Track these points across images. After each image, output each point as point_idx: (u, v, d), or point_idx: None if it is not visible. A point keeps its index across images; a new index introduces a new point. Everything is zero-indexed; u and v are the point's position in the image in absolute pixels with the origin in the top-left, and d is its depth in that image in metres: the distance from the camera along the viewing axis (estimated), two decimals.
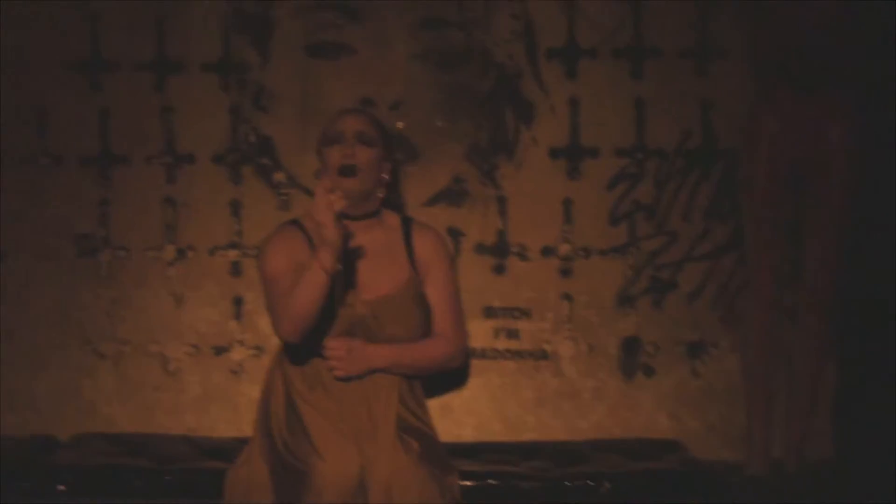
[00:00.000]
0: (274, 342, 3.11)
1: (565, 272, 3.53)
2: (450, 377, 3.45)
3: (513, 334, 3.56)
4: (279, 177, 3.53)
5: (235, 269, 3.49)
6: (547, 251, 3.53)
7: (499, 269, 3.52)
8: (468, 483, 3.05)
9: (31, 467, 3.17)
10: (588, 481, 3.09)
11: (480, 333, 3.55)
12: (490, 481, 3.09)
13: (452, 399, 3.55)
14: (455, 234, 3.51)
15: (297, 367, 2.92)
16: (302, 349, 2.91)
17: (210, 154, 3.53)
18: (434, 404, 3.49)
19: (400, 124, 3.52)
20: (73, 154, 3.54)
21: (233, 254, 3.49)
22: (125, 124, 3.56)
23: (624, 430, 3.53)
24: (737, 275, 3.53)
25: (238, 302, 3.49)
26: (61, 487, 3.06)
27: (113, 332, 3.57)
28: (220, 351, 3.54)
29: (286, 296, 2.82)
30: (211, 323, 3.56)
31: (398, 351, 2.91)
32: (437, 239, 3.07)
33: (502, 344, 3.57)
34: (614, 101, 3.54)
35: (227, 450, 3.16)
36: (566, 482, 3.10)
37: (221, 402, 3.58)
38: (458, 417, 3.57)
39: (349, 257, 2.85)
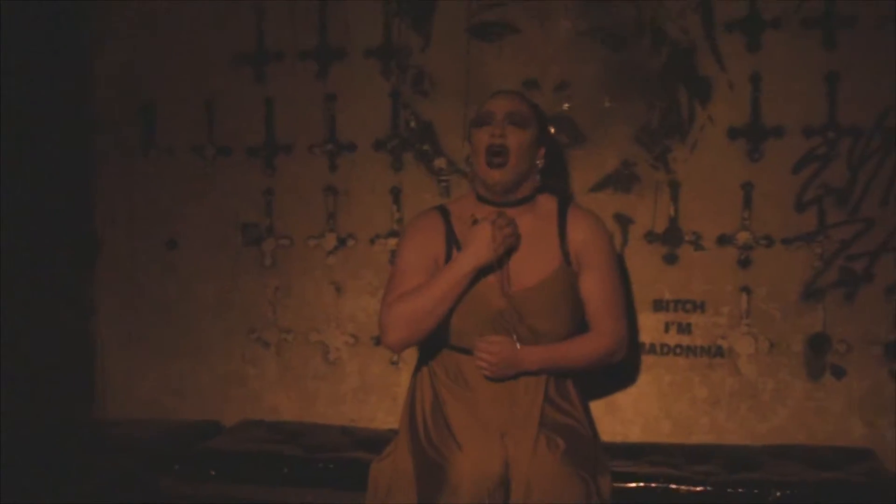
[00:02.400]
0: None
1: (744, 262, 3.31)
2: (617, 374, 3.34)
3: (685, 329, 3.38)
4: (440, 163, 3.47)
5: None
6: (724, 240, 3.32)
7: (671, 259, 3.33)
8: (629, 485, 2.93)
9: (188, 452, 3.22)
10: (755, 489, 2.86)
11: (650, 327, 3.43)
12: (651, 484, 2.95)
13: (619, 397, 3.44)
14: (624, 221, 3.34)
15: (440, 359, 2.80)
16: (442, 341, 2.78)
17: (371, 141, 3.48)
18: (599, 402, 3.48)
19: (566, 105, 3.39)
20: (240, 144, 3.58)
21: (393, 242, 3.46)
22: (289, 114, 3.54)
23: (808, 437, 3.31)
24: None
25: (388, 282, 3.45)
26: (212, 472, 3.10)
27: (276, 321, 3.58)
28: (379, 341, 3.42)
29: (411, 292, 2.72)
30: (370, 313, 3.53)
31: (551, 353, 2.79)
32: (593, 224, 2.86)
33: (673, 339, 3.41)
34: (802, 75, 3.26)
35: (382, 441, 3.11)
36: (729, 489, 2.86)
37: (380, 392, 3.59)
38: (625, 416, 3.46)
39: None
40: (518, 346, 2.74)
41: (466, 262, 2.69)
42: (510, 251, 2.80)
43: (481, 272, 2.76)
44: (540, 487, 2.65)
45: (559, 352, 2.78)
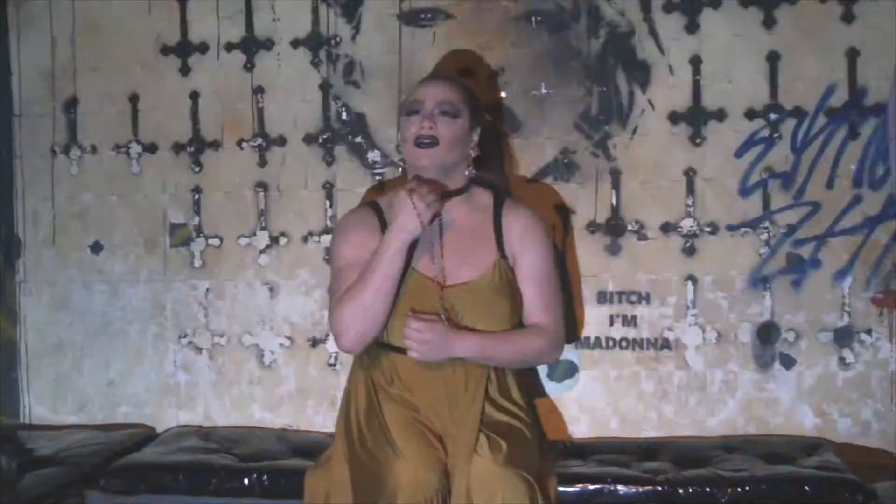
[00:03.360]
0: None
1: (689, 251, 3.29)
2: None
3: (630, 321, 3.35)
4: (373, 156, 3.36)
5: (329, 256, 3.26)
6: (668, 228, 3.31)
7: (613, 250, 3.30)
8: (577, 486, 2.88)
9: (117, 464, 3.11)
10: (706, 488, 2.81)
11: (594, 320, 3.40)
12: (598, 485, 2.90)
13: (564, 394, 3.40)
14: (565, 211, 3.29)
15: (375, 360, 2.69)
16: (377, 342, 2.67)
17: (302, 135, 3.40)
18: (544, 400, 3.47)
19: (502, 94, 3.28)
20: (166, 141, 3.47)
21: (327, 239, 3.37)
22: (216, 108, 3.45)
23: (759, 428, 3.30)
24: (893, 250, 3.23)
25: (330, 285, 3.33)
26: (141, 486, 3.01)
27: (208, 324, 3.50)
28: (315, 343, 3.43)
29: (351, 288, 2.60)
30: (306, 314, 3.48)
31: (483, 340, 2.66)
32: (529, 218, 2.76)
33: (619, 332, 3.36)
34: (742, 55, 3.27)
35: (320, 446, 3.04)
36: (679, 488, 2.81)
37: (318, 396, 3.51)
38: (571, 413, 3.42)
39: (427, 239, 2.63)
40: (450, 328, 2.59)
41: (393, 237, 2.58)
42: (449, 241, 2.66)
43: (415, 266, 2.63)
44: (481, 491, 2.56)
45: (492, 340, 2.68)
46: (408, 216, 2.63)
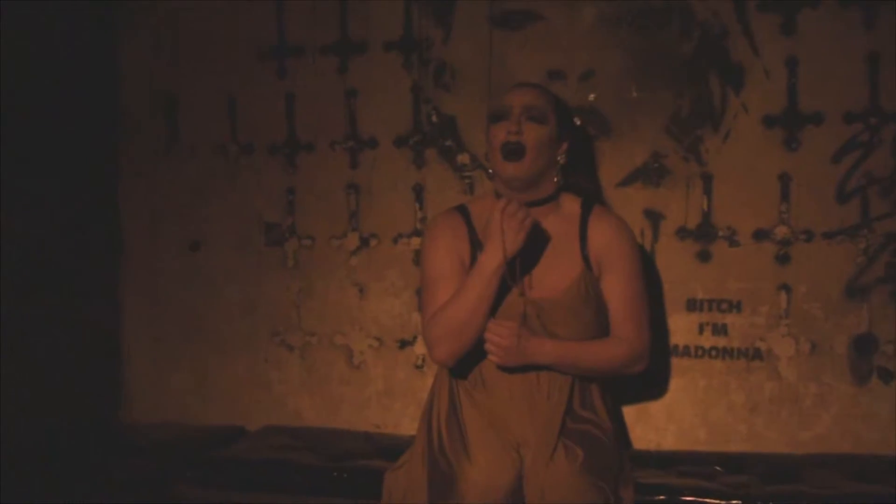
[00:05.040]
0: None
1: (783, 259, 3.22)
2: (648, 379, 3.17)
3: (720, 330, 3.29)
4: (463, 159, 3.43)
5: (419, 258, 3.32)
6: (760, 235, 3.24)
7: (704, 256, 3.25)
8: (660, 497, 2.84)
9: (203, 458, 3.27)
10: (791, 502, 2.80)
11: (683, 329, 3.36)
12: (680, 497, 2.85)
13: (652, 402, 3.38)
14: (654, 216, 3.27)
15: (462, 362, 2.73)
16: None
17: (393, 137, 3.47)
18: (631, 409, 3.42)
19: (592, 96, 3.31)
20: (262, 142, 3.58)
21: (416, 241, 3.43)
22: (310, 110, 3.55)
23: (854, 445, 3.21)
24: None
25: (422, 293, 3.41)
26: (224, 480, 3.13)
27: (299, 323, 3.60)
28: (403, 344, 3.50)
29: (446, 305, 2.68)
30: (394, 315, 3.55)
31: (564, 349, 2.71)
32: (615, 227, 2.80)
33: (708, 341, 3.32)
34: (841, 57, 3.15)
35: (405, 448, 3.00)
36: (760, 501, 2.76)
37: (405, 397, 3.58)
38: (658, 423, 3.40)
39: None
40: (531, 335, 2.63)
41: (488, 261, 2.63)
42: (536, 249, 2.69)
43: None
44: (555, 498, 2.61)
45: (573, 350, 2.72)
46: (501, 239, 2.65)
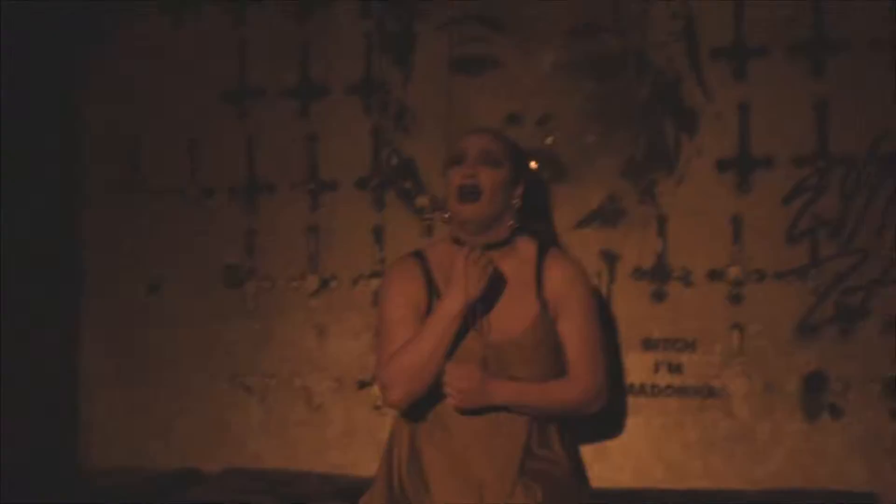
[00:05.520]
0: None
1: (735, 298, 3.27)
2: (605, 417, 3.12)
3: (676, 369, 3.33)
4: (422, 201, 3.46)
5: (378, 300, 3.29)
6: (714, 275, 3.28)
7: (659, 296, 3.30)
8: None
9: (165, 501, 3.26)
10: None
11: (639, 368, 3.38)
12: None
13: (609, 441, 3.39)
14: (610, 258, 3.30)
15: (421, 405, 2.73)
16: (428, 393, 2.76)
17: (353, 179, 3.51)
18: (588, 447, 3.36)
19: (549, 140, 3.36)
20: (223, 184, 3.64)
21: (375, 283, 3.44)
22: (271, 152, 3.59)
23: (807, 481, 3.22)
24: None
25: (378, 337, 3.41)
26: None
27: (258, 365, 3.60)
28: (363, 385, 3.51)
29: (403, 348, 2.69)
30: (354, 356, 3.55)
31: (522, 390, 2.73)
32: (571, 270, 2.83)
33: (664, 379, 3.34)
34: (791, 103, 3.23)
35: (365, 489, 2.95)
36: None
37: (364, 438, 3.56)
38: (615, 461, 3.40)
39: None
40: (488, 377, 2.65)
41: (450, 304, 2.66)
42: (494, 293, 2.72)
43: (465, 320, 2.70)
44: None
45: (531, 391, 2.74)
46: (463, 284, 2.69)
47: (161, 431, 3.73)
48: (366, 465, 3.49)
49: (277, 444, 3.64)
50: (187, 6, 3.73)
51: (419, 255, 2.95)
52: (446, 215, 2.89)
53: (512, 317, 2.81)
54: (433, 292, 2.85)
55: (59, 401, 3.78)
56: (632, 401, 3.38)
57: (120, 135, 3.77)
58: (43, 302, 3.71)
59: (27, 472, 3.53)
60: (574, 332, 2.81)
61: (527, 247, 2.90)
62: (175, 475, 3.55)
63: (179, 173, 3.70)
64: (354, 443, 3.59)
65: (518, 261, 2.86)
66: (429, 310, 2.83)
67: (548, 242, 2.99)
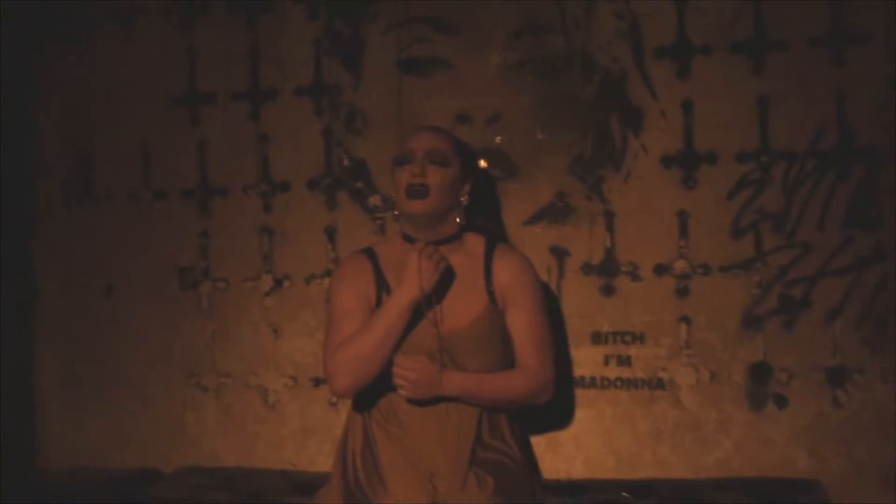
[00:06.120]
0: None
1: (682, 292, 3.32)
2: (556, 409, 3.31)
3: (625, 361, 3.39)
4: (374, 200, 3.51)
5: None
6: (661, 269, 3.34)
7: (608, 291, 3.35)
8: None
9: (124, 500, 3.31)
10: None
11: (589, 361, 3.43)
12: None
13: (561, 432, 3.43)
14: (560, 253, 3.35)
15: (374, 398, 2.79)
16: (378, 385, 2.77)
17: (305, 180, 3.56)
18: (540, 438, 3.44)
19: (498, 139, 3.42)
20: (175, 188, 3.67)
21: (328, 282, 3.35)
22: (223, 155, 3.63)
23: (753, 469, 3.29)
24: (884, 291, 3.20)
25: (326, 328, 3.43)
26: None
27: (214, 365, 3.65)
28: (318, 382, 3.55)
29: (352, 338, 2.73)
30: (308, 353, 3.61)
31: (472, 380, 2.79)
32: (518, 264, 2.89)
33: (613, 372, 3.42)
34: (733, 100, 3.29)
35: (322, 484, 3.00)
36: None
37: (320, 435, 3.60)
38: (567, 452, 3.44)
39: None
40: (439, 368, 2.70)
41: (401, 297, 2.72)
42: (443, 287, 2.77)
43: (416, 314, 2.73)
44: None
45: (480, 381, 2.80)
46: (415, 278, 2.75)
47: (118, 432, 3.76)
48: (322, 460, 3.57)
49: (235, 442, 3.67)
50: (136, 13, 3.73)
51: (369, 252, 3.00)
52: (396, 213, 2.90)
53: (461, 309, 2.86)
54: (382, 287, 2.90)
55: (15, 403, 3.69)
56: (582, 393, 3.41)
57: (72, 139, 3.80)
58: None
59: None
60: (522, 323, 2.88)
61: (475, 242, 2.96)
62: (133, 474, 3.55)
63: (132, 177, 3.73)
64: (311, 439, 3.62)
65: (466, 256, 2.92)
66: (377, 304, 2.89)
67: (496, 238, 2.99)
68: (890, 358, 3.21)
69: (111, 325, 3.76)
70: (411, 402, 2.80)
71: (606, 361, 3.39)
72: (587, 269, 3.38)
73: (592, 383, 3.40)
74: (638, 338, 3.38)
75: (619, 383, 3.38)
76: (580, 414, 3.42)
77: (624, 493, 3.20)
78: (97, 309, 3.75)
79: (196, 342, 3.70)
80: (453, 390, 2.78)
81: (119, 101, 3.73)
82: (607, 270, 3.37)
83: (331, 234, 3.51)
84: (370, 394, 2.87)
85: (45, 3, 3.82)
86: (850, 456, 3.24)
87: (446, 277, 2.86)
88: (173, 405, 3.70)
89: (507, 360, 2.88)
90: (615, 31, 3.36)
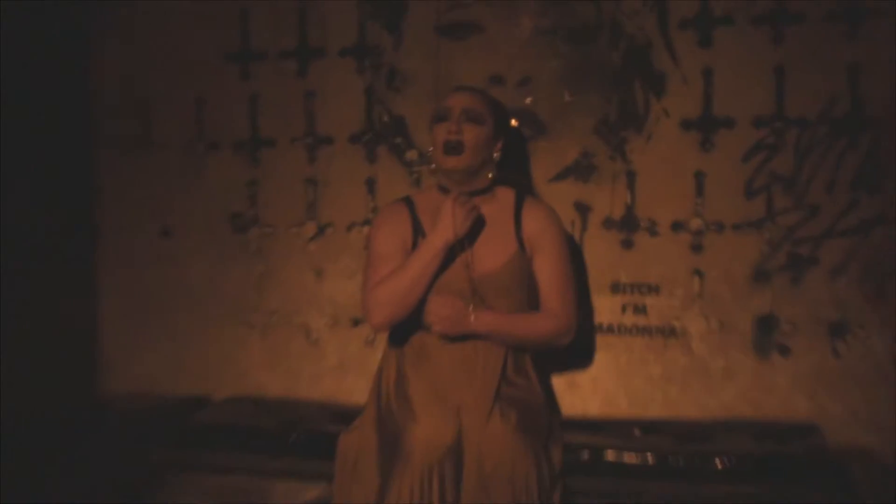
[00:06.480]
0: None
1: (696, 247, 3.46)
2: (577, 353, 3.50)
3: (641, 310, 3.55)
4: (411, 155, 3.70)
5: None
6: (677, 226, 3.48)
7: (627, 244, 3.50)
8: (585, 456, 3.14)
9: (178, 425, 3.56)
10: (698, 460, 3.09)
11: (607, 309, 3.59)
12: (606, 455, 3.15)
13: (579, 374, 3.59)
14: (583, 209, 3.51)
15: (407, 336, 2.99)
16: (411, 324, 2.97)
17: (347, 135, 3.74)
18: (560, 379, 3.64)
19: (528, 100, 3.56)
20: (227, 139, 3.89)
21: (368, 229, 3.62)
22: (272, 110, 3.84)
23: (756, 412, 3.46)
24: (887, 250, 3.35)
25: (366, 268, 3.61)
26: (197, 443, 3.44)
27: (260, 304, 3.90)
28: (356, 322, 3.75)
29: (390, 276, 2.92)
30: (348, 295, 3.79)
31: (500, 320, 2.96)
32: (546, 214, 3.06)
33: (630, 320, 3.56)
34: (751, 69, 3.41)
35: (357, 415, 3.23)
36: (670, 458, 3.11)
37: (357, 369, 3.78)
38: (585, 393, 3.62)
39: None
40: (470, 307, 2.89)
41: (435, 240, 2.92)
42: (474, 233, 2.95)
43: (449, 257, 2.93)
44: (491, 455, 2.84)
45: (507, 321, 2.98)
46: (449, 223, 2.94)
47: (172, 362, 3.99)
48: (358, 393, 3.70)
49: (279, 375, 3.88)
50: None
51: (407, 200, 3.19)
52: (432, 166, 3.09)
53: (492, 254, 3.04)
54: (418, 232, 3.10)
55: (79, 334, 3.96)
56: (600, 338, 3.59)
57: (132, 93, 3.98)
58: (62, 246, 3.91)
59: (52, 398, 3.70)
60: (548, 269, 3.05)
61: (505, 194, 3.14)
62: (185, 401, 3.79)
63: (188, 128, 3.94)
64: (348, 374, 3.82)
65: (498, 206, 3.10)
66: (413, 248, 3.07)
67: (525, 192, 3.17)
68: (888, 314, 3.31)
69: (167, 265, 3.97)
70: (442, 338, 2.99)
71: (624, 310, 3.56)
72: (608, 223, 3.53)
73: (610, 329, 3.57)
74: (654, 289, 3.53)
75: (634, 330, 3.55)
76: (598, 357, 3.60)
77: (636, 430, 3.33)
78: (154, 249, 3.98)
79: (244, 283, 3.91)
80: (482, 328, 2.96)
81: (177, 56, 3.92)
82: (627, 226, 3.52)
83: (370, 185, 3.70)
84: (403, 333, 3.07)
85: None
86: (846, 402, 3.40)
87: (478, 224, 3.03)
88: (222, 340, 3.92)
89: (532, 303, 3.06)
90: (642, 1, 3.49)
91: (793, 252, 3.43)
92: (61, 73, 3.95)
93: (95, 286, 4.06)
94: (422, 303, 2.99)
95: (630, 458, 3.17)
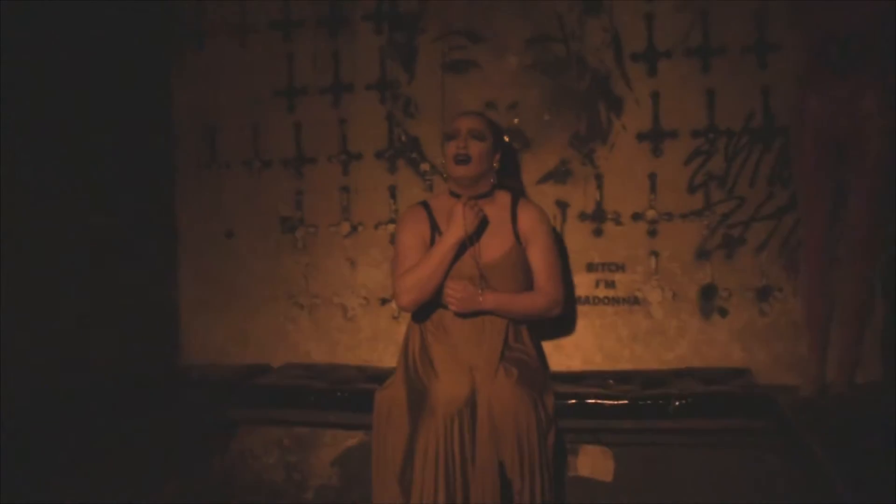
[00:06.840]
0: None
1: (652, 233, 3.95)
2: (561, 321, 3.85)
3: (610, 284, 4.00)
4: (425, 167, 4.19)
5: (394, 238, 3.95)
6: (637, 216, 3.96)
7: (598, 232, 3.99)
8: (571, 401, 3.55)
9: (244, 386, 3.99)
10: (661, 401, 3.50)
11: (584, 284, 4.02)
12: (588, 400, 3.59)
13: (563, 338, 4.04)
14: (562, 205, 4.01)
15: (427, 314, 3.53)
16: (431, 303, 3.48)
17: (373, 152, 4.23)
18: (549, 342, 4.03)
19: (516, 120, 4.06)
20: (278, 158, 4.36)
21: (391, 227, 4.21)
22: (312, 133, 4.31)
23: (703, 361, 3.89)
24: (796, 230, 3.81)
25: (394, 260, 3.74)
26: (262, 400, 3.86)
27: (307, 289, 4.34)
28: (384, 302, 4.25)
29: (414, 266, 3.40)
30: (377, 280, 4.27)
31: (503, 298, 3.46)
32: (537, 213, 3.57)
33: (602, 293, 4.02)
34: (688, 92, 3.89)
35: (387, 376, 3.65)
36: (640, 401, 3.49)
37: (386, 340, 4.25)
38: (568, 352, 4.05)
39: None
40: (479, 289, 3.38)
41: (450, 237, 3.42)
42: (480, 230, 3.43)
43: (461, 250, 3.41)
44: (499, 404, 3.29)
45: (509, 299, 3.45)
46: (461, 223, 3.42)
47: (238, 336, 4.41)
48: (388, 359, 4.20)
49: (323, 345, 4.32)
50: (249, 28, 4.33)
51: (424, 204, 3.66)
52: (445, 175, 3.53)
53: (495, 246, 3.51)
54: (435, 230, 3.56)
55: (163, 314, 4.41)
56: (579, 309, 4.02)
57: (202, 121, 4.42)
58: (150, 246, 4.33)
59: (140, 367, 4.13)
60: (539, 256, 3.53)
61: (503, 197, 3.60)
62: (249, 368, 4.21)
63: (246, 149, 4.37)
64: (379, 343, 4.26)
65: (498, 207, 3.56)
66: (431, 243, 3.53)
67: (518, 194, 3.64)
68: (801, 279, 3.76)
69: (232, 259, 4.40)
70: (457, 314, 3.45)
71: (597, 285, 4.01)
72: (583, 216, 4.00)
73: (587, 301, 4.01)
74: (620, 267, 3.99)
75: (606, 301, 4.00)
76: (578, 323, 4.02)
77: (609, 381, 3.74)
78: (221, 247, 4.41)
79: (293, 272, 4.34)
80: (488, 306, 3.44)
81: (237, 93, 4.35)
82: (597, 217, 3.98)
83: (392, 191, 4.20)
84: (425, 310, 3.52)
85: (180, 22, 4.37)
86: (770, 350, 3.88)
87: (483, 223, 3.49)
88: (277, 318, 4.36)
89: (528, 284, 3.52)
90: (602, 41, 3.96)
91: (727, 234, 3.89)
92: (149, 107, 4.35)
93: (177, 277, 4.48)
94: (440, 287, 3.43)
95: (607, 402, 3.56)
